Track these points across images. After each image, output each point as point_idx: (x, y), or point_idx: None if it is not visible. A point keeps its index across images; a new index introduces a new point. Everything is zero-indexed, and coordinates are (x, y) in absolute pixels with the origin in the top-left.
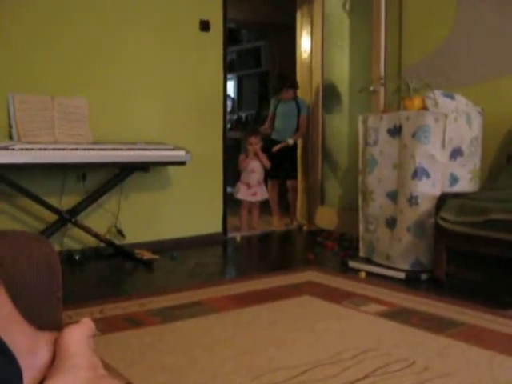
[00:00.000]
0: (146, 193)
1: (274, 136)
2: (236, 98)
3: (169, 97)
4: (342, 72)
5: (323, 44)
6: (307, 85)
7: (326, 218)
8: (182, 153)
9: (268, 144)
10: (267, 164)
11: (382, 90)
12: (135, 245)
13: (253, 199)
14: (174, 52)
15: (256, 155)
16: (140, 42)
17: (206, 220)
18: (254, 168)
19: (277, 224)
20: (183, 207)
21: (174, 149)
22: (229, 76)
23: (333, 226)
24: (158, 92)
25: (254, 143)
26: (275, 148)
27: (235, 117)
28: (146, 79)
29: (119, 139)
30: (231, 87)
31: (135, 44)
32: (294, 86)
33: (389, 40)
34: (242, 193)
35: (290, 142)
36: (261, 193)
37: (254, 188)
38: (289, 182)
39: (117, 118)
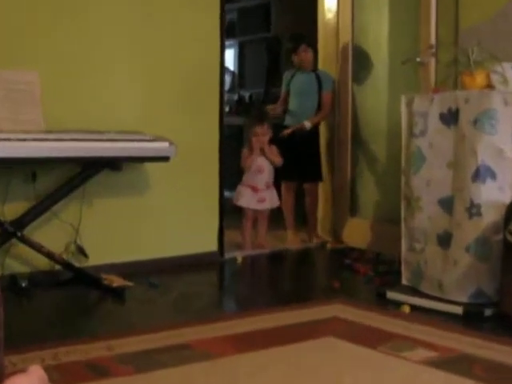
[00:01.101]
0: (116, 198)
1: (288, 121)
2: (237, 71)
3: (148, 71)
4: (378, 37)
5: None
6: (332, 53)
7: (357, 232)
8: (165, 145)
9: (280, 133)
10: (278, 161)
11: (432, 61)
12: (102, 267)
13: (260, 207)
14: (155, 13)
15: (262, 151)
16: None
17: (197, 235)
18: (261, 166)
19: (292, 240)
20: (166, 218)
21: (153, 140)
22: (227, 43)
23: (366, 243)
24: (135, 65)
25: (261, 134)
26: (285, 132)
27: (236, 97)
28: (117, 48)
29: (81, 127)
30: (230, 57)
31: (104, 3)
32: (313, 45)
33: None
34: (246, 199)
35: (307, 124)
36: (270, 199)
37: (261, 193)
38: (307, 185)
39: (78, 99)
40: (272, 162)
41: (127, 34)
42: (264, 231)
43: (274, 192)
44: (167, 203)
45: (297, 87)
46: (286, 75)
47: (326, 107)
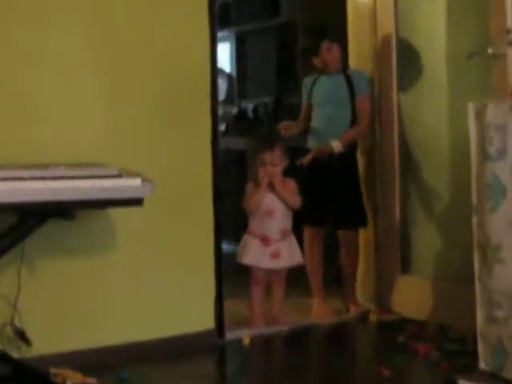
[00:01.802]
0: (68, 260)
1: (312, 143)
2: (235, 74)
3: (113, 81)
4: (431, 25)
5: None
6: (367, 47)
7: (413, 297)
8: (137, 182)
9: (299, 159)
10: (294, 201)
11: (510, 52)
12: (51, 358)
13: (273, 266)
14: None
15: (272, 186)
16: None
17: (185, 308)
18: (271, 208)
19: (320, 312)
20: (140, 285)
21: (121, 175)
22: (220, 34)
23: (425, 312)
24: (95, 74)
25: (271, 163)
26: (304, 159)
27: (234, 110)
28: (73, 52)
29: (19, 160)
30: (225, 55)
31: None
32: (340, 39)
33: None
34: (253, 254)
35: (337, 146)
36: (288, 253)
37: (274, 245)
38: (344, 233)
39: (15, 122)
40: (286, 203)
41: (85, 32)
42: (280, 299)
43: (294, 243)
44: (141, 265)
45: (321, 95)
46: (306, 82)
47: (364, 118)
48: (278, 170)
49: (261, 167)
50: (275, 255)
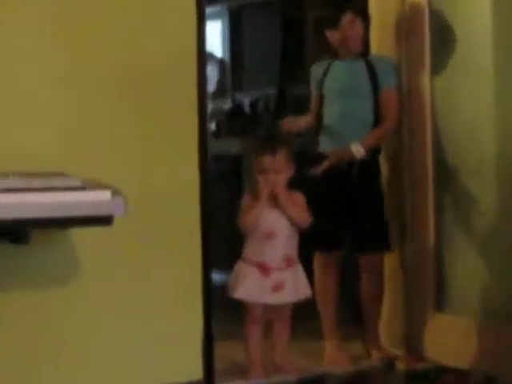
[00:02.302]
0: (19, 294)
1: (325, 145)
2: (229, 60)
3: (77, 71)
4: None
5: None
6: (392, 23)
7: (451, 340)
8: (105, 196)
9: (310, 166)
10: (303, 219)
11: None
12: None
13: (275, 300)
14: None
15: (275, 199)
16: None
17: (166, 355)
18: (274, 226)
19: (334, 358)
20: (110, 325)
21: (84, 187)
22: (210, 10)
23: (467, 359)
24: (54, 62)
25: (272, 170)
26: (319, 168)
27: (228, 104)
28: (23, 40)
29: None
30: (217, 36)
31: None
32: (363, 11)
33: None
34: (250, 286)
35: (358, 151)
36: (293, 285)
37: (276, 274)
38: (365, 259)
39: None
40: (292, 221)
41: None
42: (284, 343)
43: (301, 273)
44: (111, 300)
45: (336, 85)
46: (316, 69)
47: (391, 116)
48: (282, 178)
49: (260, 175)
50: (277, 288)
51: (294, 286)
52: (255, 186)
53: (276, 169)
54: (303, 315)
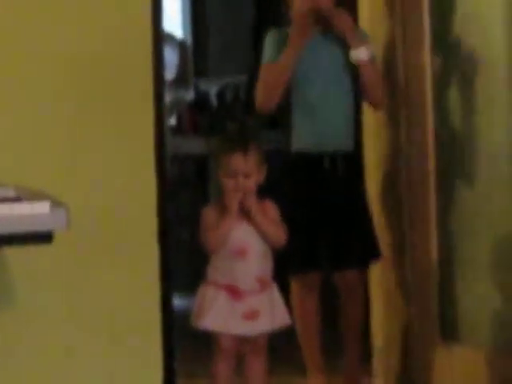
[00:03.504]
0: None
1: (303, 142)
2: (191, 40)
3: (7, 56)
4: None
5: None
6: None
7: (460, 374)
8: (43, 208)
9: (281, 167)
10: (279, 236)
11: None
12: None
13: (248, 331)
14: None
15: (246, 210)
16: None
17: None
18: (246, 244)
19: None
20: (49, 363)
21: (19, 198)
22: None
23: None
24: None
25: (242, 172)
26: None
27: (190, 94)
28: None
29: None
30: (176, 12)
31: None
32: None
33: None
34: (218, 314)
35: (363, 52)
36: (269, 312)
37: (248, 299)
38: (340, 276)
39: None
40: (267, 237)
41: None
42: (260, 380)
43: (277, 297)
44: (49, 332)
45: (309, 63)
46: (274, 36)
47: (373, 95)
48: (253, 183)
49: (227, 179)
50: (251, 315)
51: (270, 313)
52: (221, 195)
53: (247, 172)
54: (281, 345)
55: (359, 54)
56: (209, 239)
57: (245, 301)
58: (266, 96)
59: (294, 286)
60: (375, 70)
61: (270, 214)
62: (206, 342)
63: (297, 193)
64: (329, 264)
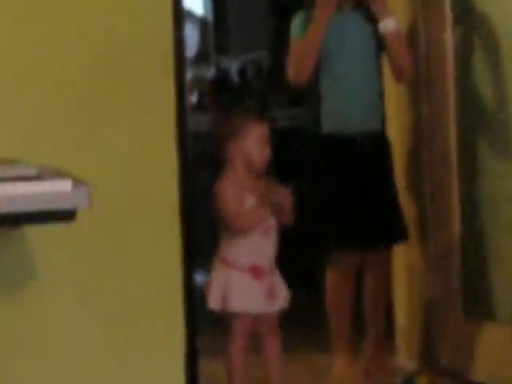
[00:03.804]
0: None
1: (332, 124)
2: (212, 18)
3: (25, 39)
4: None
5: None
6: None
7: (484, 352)
8: (66, 186)
9: (317, 148)
10: (291, 216)
11: None
12: None
13: (270, 309)
14: None
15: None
16: None
17: (140, 370)
18: (270, 222)
19: (345, 374)
20: (73, 338)
21: (40, 176)
22: None
23: (505, 375)
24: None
25: (266, 142)
26: None
27: (211, 72)
28: None
29: None
30: None
31: None
32: None
33: None
34: (243, 295)
35: (390, 24)
36: (281, 289)
37: (267, 278)
38: (370, 254)
39: None
40: (283, 215)
41: None
42: (279, 358)
43: (279, 276)
44: (74, 308)
45: (336, 42)
46: (301, 16)
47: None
48: (266, 154)
49: (252, 150)
50: (271, 294)
51: (282, 292)
52: (233, 166)
53: (266, 140)
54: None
55: (387, 25)
56: (238, 220)
57: (266, 280)
58: (297, 70)
59: (331, 270)
60: (402, 40)
61: (282, 193)
62: (220, 321)
63: (329, 175)
64: (363, 243)
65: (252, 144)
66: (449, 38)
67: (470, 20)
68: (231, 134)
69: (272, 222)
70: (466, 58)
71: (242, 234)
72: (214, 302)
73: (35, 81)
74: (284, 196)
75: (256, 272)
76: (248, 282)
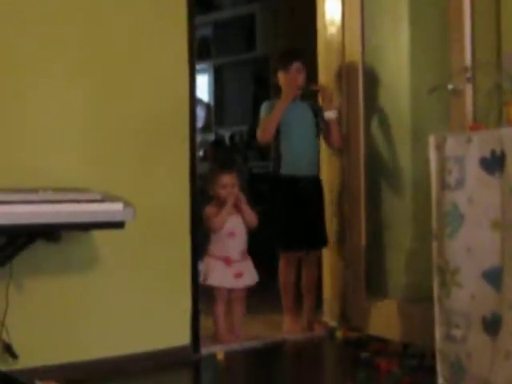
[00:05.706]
0: (53, 279)
1: (287, 169)
2: (213, 103)
3: (94, 109)
4: (397, 60)
5: (363, 12)
6: (334, 80)
7: (378, 317)
8: (118, 206)
9: (277, 184)
10: (254, 221)
11: (468, 88)
12: (37, 371)
13: (237, 285)
14: (100, 30)
15: (237, 205)
16: (44, 15)
17: (161, 324)
18: (235, 228)
19: (290, 328)
20: (120, 302)
21: (103, 200)
22: (199, 66)
23: (391, 331)
24: (76, 100)
25: (230, 185)
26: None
27: (212, 137)
28: (53, 79)
29: (4, 184)
30: (204, 85)
31: (36, 19)
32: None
33: (478, 4)
34: (218, 275)
35: (332, 113)
36: (249, 272)
37: (236, 265)
38: (308, 254)
39: (8, 149)
40: (248, 222)
41: (66, 61)
42: (240, 317)
43: (251, 263)
44: (121, 284)
45: (293, 116)
46: (268, 106)
47: (337, 131)
48: (235, 191)
49: (221, 189)
50: (238, 275)
51: (249, 274)
52: (218, 199)
53: (232, 185)
54: (267, 294)
55: (331, 114)
56: (212, 224)
57: (234, 266)
58: (263, 132)
59: (282, 260)
60: (337, 124)
61: (249, 210)
62: (206, 294)
63: (284, 200)
64: (302, 246)
65: (221, 187)
66: (361, 120)
67: (373, 110)
68: (212, 181)
69: (237, 226)
70: (369, 131)
71: (214, 233)
72: (201, 279)
73: (103, 139)
74: (249, 213)
75: (227, 260)
76: (221, 267)
